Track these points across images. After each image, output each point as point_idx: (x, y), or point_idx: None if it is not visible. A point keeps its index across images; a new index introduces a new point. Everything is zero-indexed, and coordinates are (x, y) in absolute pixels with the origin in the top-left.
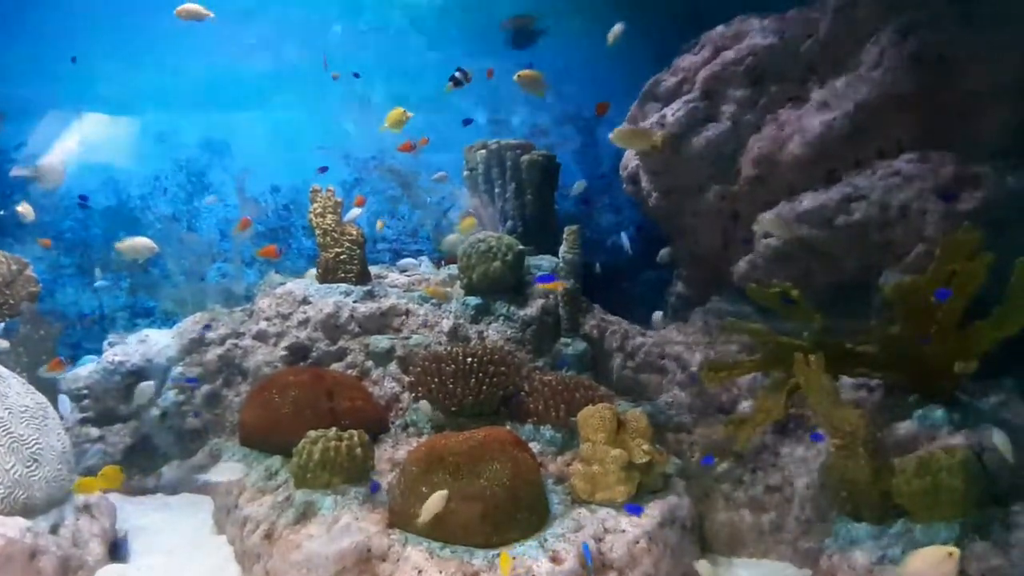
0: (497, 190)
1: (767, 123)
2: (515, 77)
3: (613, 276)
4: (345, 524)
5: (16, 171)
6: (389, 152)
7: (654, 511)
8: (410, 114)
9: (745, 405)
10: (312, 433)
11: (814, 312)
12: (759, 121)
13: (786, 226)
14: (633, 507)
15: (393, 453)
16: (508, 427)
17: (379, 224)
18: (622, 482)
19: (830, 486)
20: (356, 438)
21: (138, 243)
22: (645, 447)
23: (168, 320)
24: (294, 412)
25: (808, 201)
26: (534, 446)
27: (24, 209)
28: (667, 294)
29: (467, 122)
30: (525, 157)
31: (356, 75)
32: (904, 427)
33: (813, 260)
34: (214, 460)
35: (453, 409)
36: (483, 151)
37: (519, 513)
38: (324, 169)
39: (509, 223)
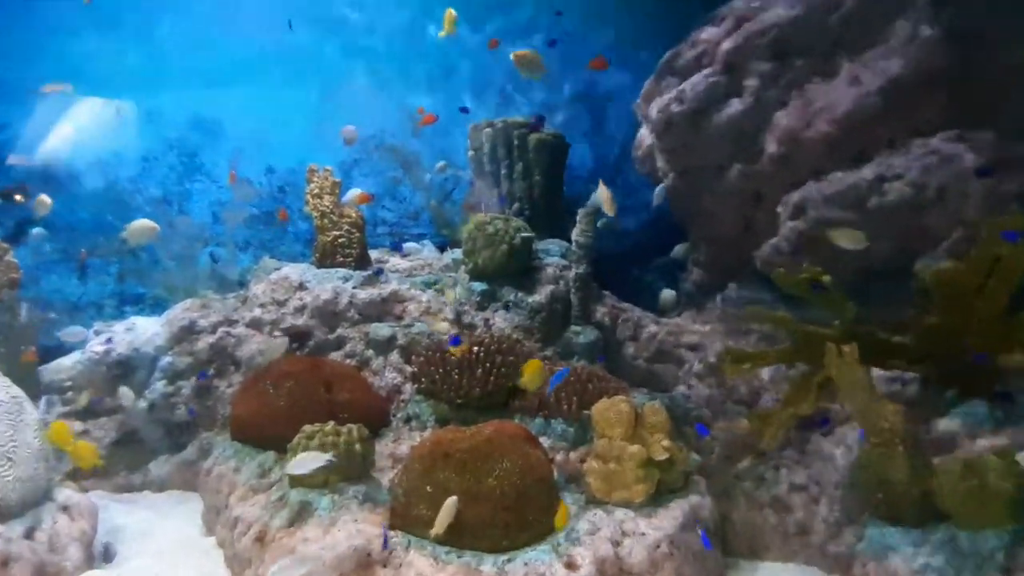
0: (503, 171)
1: (793, 99)
2: (511, 56)
3: (624, 261)
4: (343, 526)
5: (12, 160)
6: (389, 131)
7: (675, 512)
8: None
9: (767, 398)
10: (308, 428)
11: (846, 300)
12: (784, 97)
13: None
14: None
15: (395, 448)
16: (517, 421)
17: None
18: (641, 481)
19: (863, 486)
20: (355, 432)
21: (142, 226)
22: (665, 443)
23: (158, 307)
24: (289, 404)
25: (838, 182)
26: (544, 441)
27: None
28: (681, 280)
29: (464, 110)
30: (533, 136)
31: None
32: (943, 424)
33: None
34: (204, 455)
35: (459, 402)
36: (488, 130)
37: (530, 515)
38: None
39: (516, 205)
